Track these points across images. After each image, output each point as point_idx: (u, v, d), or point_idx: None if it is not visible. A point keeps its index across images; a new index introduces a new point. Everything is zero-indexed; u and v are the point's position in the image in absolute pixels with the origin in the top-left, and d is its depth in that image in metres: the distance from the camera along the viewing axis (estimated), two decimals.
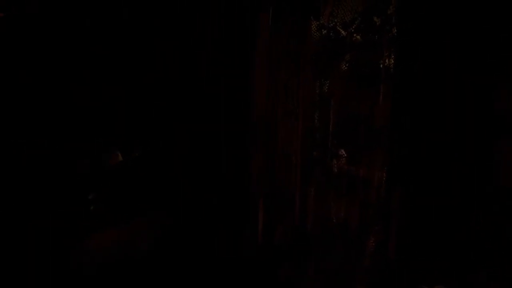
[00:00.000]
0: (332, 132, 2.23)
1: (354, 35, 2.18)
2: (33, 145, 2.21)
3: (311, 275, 2.27)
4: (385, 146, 2.21)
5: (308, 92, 2.22)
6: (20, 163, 2.20)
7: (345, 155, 2.23)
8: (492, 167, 2.23)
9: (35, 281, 2.06)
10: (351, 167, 2.23)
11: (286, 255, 2.28)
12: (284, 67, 2.23)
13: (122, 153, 2.33)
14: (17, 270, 2.05)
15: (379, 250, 2.26)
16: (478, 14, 2.16)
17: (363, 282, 2.28)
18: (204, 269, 2.33)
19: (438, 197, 2.28)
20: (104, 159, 2.32)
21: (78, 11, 2.25)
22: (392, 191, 2.24)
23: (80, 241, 2.17)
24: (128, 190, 2.35)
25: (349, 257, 2.26)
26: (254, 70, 2.26)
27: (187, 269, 2.33)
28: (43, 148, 2.22)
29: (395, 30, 2.17)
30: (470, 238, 2.27)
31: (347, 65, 2.19)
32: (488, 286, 2.24)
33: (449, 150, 2.27)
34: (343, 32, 2.18)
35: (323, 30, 2.20)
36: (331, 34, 2.19)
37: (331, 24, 2.19)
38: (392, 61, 2.19)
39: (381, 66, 2.18)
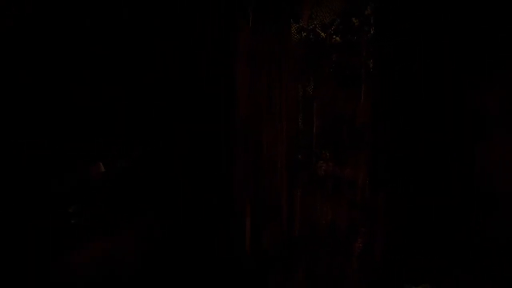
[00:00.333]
0: (316, 134, 2.22)
1: (334, 36, 2.18)
2: (33, 145, 2.21)
3: (300, 280, 2.27)
4: (368, 146, 2.21)
5: (290, 94, 2.22)
6: (20, 163, 2.20)
7: (330, 156, 2.23)
8: (473, 166, 2.24)
9: None
10: (336, 168, 2.23)
11: (275, 260, 2.27)
12: (266, 70, 2.22)
13: (105, 163, 2.30)
14: None
15: (366, 251, 2.25)
16: (457, 12, 2.17)
17: (352, 285, 2.27)
18: (204, 272, 2.33)
19: (422, 197, 2.29)
20: (85, 170, 2.28)
21: (78, 11, 2.25)
22: (376, 192, 2.23)
23: (60, 256, 2.14)
24: (112, 201, 2.31)
25: (338, 259, 2.25)
26: (236, 73, 2.26)
27: (184, 273, 2.33)
28: (43, 148, 2.22)
29: (373, 31, 2.17)
30: (457, 238, 2.27)
31: (328, 66, 2.19)
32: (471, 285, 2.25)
33: (430, 150, 2.28)
34: (322, 34, 2.19)
35: (303, 32, 2.20)
36: (311, 36, 2.20)
37: (311, 27, 2.20)
38: (372, 61, 2.19)
39: (361, 66, 2.18)
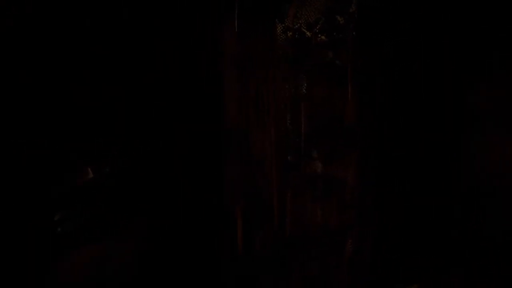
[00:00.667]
0: (304, 135, 2.21)
1: (319, 35, 2.16)
2: (33, 145, 2.20)
3: (293, 281, 2.27)
4: (357, 145, 2.21)
5: (278, 95, 2.20)
6: (20, 163, 2.19)
7: (319, 157, 2.22)
8: (469, 165, 2.26)
9: None
10: (326, 169, 2.21)
11: (267, 262, 2.26)
12: (254, 71, 2.20)
13: (93, 169, 2.29)
14: None
15: (356, 252, 2.26)
16: (443, 7, 2.19)
17: (345, 286, 2.28)
18: (201, 273, 2.33)
19: (418, 196, 2.30)
20: (72, 176, 2.27)
21: (78, 11, 2.24)
22: (364, 192, 2.23)
23: (46, 264, 2.12)
24: (101, 207, 2.30)
25: (330, 261, 2.24)
26: (223, 74, 2.25)
27: (183, 275, 2.34)
28: (43, 148, 2.21)
29: (356, 28, 2.16)
30: (454, 237, 2.29)
31: (314, 66, 2.18)
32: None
33: (425, 149, 2.29)
34: (308, 33, 2.16)
35: (288, 32, 2.18)
36: (296, 36, 2.17)
37: (296, 26, 2.17)
38: (357, 60, 2.19)
39: (348, 65, 2.17)
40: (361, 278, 2.27)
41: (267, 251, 2.25)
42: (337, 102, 2.21)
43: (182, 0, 2.28)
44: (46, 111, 2.24)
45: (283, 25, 2.19)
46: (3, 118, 2.16)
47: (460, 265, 2.27)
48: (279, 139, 2.22)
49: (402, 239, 2.33)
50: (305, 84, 2.21)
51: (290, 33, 2.19)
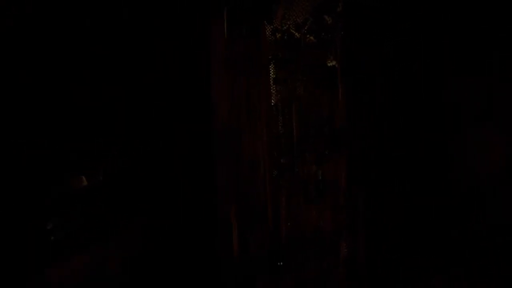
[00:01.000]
0: (296, 137, 2.20)
1: (308, 36, 2.16)
2: (33, 145, 2.20)
3: (288, 284, 2.26)
4: (347, 147, 2.20)
5: (269, 97, 2.20)
6: (20, 163, 2.19)
7: (312, 159, 2.21)
8: (462, 164, 2.26)
9: None
10: (318, 171, 2.21)
11: (264, 265, 2.26)
12: (244, 74, 2.20)
13: (87, 177, 2.28)
14: None
15: (350, 254, 2.25)
16: (427, 6, 2.18)
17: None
18: (200, 274, 2.33)
19: (417, 196, 2.30)
20: (66, 184, 2.25)
21: (78, 11, 2.24)
22: (354, 193, 2.23)
23: (37, 273, 2.11)
24: (94, 215, 2.29)
25: (325, 263, 2.23)
26: (212, 77, 2.25)
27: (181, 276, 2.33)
28: (43, 148, 2.21)
29: (343, 28, 2.16)
30: (454, 237, 2.29)
31: (304, 67, 2.17)
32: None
33: (423, 149, 2.29)
34: (296, 34, 2.16)
35: (277, 33, 2.18)
36: (285, 37, 2.17)
37: (285, 27, 2.17)
38: (345, 60, 2.18)
39: (336, 65, 2.17)
40: (356, 280, 2.27)
41: (263, 252, 2.25)
42: (328, 104, 2.21)
43: (173, 2, 2.27)
44: (46, 111, 2.23)
45: (271, 26, 2.19)
46: (4, 118, 2.15)
47: (460, 265, 2.26)
48: (271, 141, 2.22)
49: (402, 239, 2.33)
50: (296, 86, 2.20)
51: (279, 35, 2.19)
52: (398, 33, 2.21)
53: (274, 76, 2.20)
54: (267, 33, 2.18)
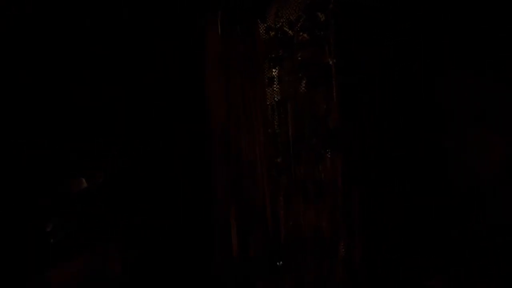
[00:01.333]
0: (292, 136, 2.19)
1: (301, 33, 2.14)
2: (33, 145, 2.20)
3: (288, 286, 2.26)
4: (342, 146, 2.19)
5: (264, 96, 2.19)
6: (20, 163, 2.19)
7: (308, 159, 2.20)
8: (461, 164, 2.26)
9: None
10: (315, 171, 2.20)
11: (263, 267, 2.24)
12: (239, 74, 2.19)
13: (87, 179, 2.27)
14: None
15: (348, 255, 2.24)
16: (427, 6, 2.18)
17: None
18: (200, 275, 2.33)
19: (417, 196, 2.30)
20: (65, 186, 2.25)
21: (78, 11, 2.24)
22: (350, 192, 2.22)
23: (37, 274, 2.11)
24: (94, 215, 2.29)
25: (325, 264, 2.22)
26: (206, 77, 2.24)
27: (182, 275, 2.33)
28: (43, 148, 2.21)
29: (335, 25, 2.14)
30: (454, 237, 2.29)
31: (298, 65, 2.16)
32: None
33: (404, 148, 2.28)
34: (290, 32, 2.15)
35: (270, 32, 2.17)
36: (279, 35, 2.16)
37: (278, 25, 2.16)
38: (338, 58, 2.17)
39: (331, 63, 2.16)
40: (356, 278, 2.27)
41: (262, 253, 2.24)
42: (323, 102, 2.19)
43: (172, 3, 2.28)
44: (45, 111, 2.24)
45: (265, 24, 2.18)
46: (4, 118, 2.16)
47: (460, 265, 2.26)
48: (267, 141, 2.21)
49: (402, 239, 2.33)
50: (291, 84, 2.19)
51: (273, 33, 2.18)
52: (398, 33, 2.21)
53: (268, 75, 2.19)
54: (261, 31, 2.18)
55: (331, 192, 2.21)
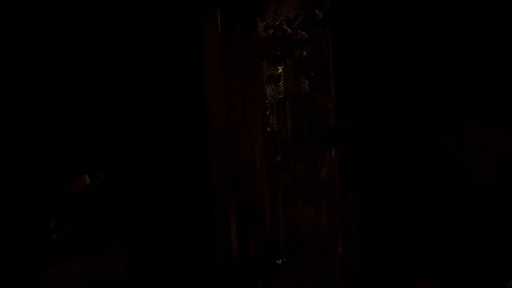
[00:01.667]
0: (291, 134, 2.20)
1: (299, 31, 2.15)
2: (33, 145, 2.20)
3: (288, 285, 2.26)
4: (340, 145, 2.20)
5: (264, 95, 2.19)
6: (20, 163, 2.19)
7: (307, 157, 2.20)
8: (447, 161, 2.26)
9: None
10: (314, 169, 2.21)
11: (263, 267, 2.24)
12: (238, 73, 2.19)
13: (90, 176, 2.27)
14: None
15: (346, 255, 2.24)
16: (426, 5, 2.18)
17: None
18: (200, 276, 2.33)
19: (416, 195, 2.30)
20: (68, 183, 2.25)
21: (78, 11, 2.24)
22: (348, 191, 2.23)
23: (37, 274, 2.10)
24: (96, 215, 2.28)
25: (324, 264, 2.23)
26: (206, 76, 2.25)
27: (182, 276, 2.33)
28: (43, 148, 2.21)
29: (332, 23, 2.14)
30: (453, 236, 2.29)
31: (297, 63, 2.17)
32: None
33: (403, 147, 2.28)
34: (288, 29, 2.16)
35: (269, 30, 2.17)
36: (277, 33, 2.16)
37: (277, 23, 2.16)
38: (337, 55, 2.17)
39: (329, 61, 2.16)
40: (354, 278, 2.27)
41: (262, 252, 2.24)
42: (322, 101, 2.20)
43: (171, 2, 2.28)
44: (46, 111, 2.24)
45: (264, 22, 2.18)
46: (4, 118, 2.16)
47: (459, 264, 2.27)
48: (267, 140, 2.21)
49: (401, 238, 2.33)
50: (290, 83, 2.20)
51: (272, 31, 2.18)
52: (397, 31, 2.22)
53: (268, 73, 2.20)
54: (260, 29, 2.18)
55: (330, 191, 2.21)
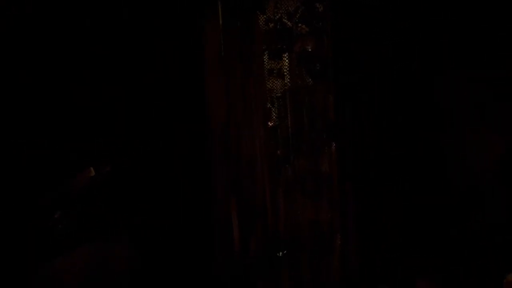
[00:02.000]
0: (291, 129, 2.19)
1: (299, 24, 2.15)
2: (33, 145, 2.20)
3: (288, 282, 2.25)
4: (338, 140, 2.20)
5: (264, 90, 2.19)
6: (20, 163, 2.19)
7: (307, 152, 2.20)
8: (447, 161, 2.26)
9: None
10: (313, 164, 2.21)
11: (264, 262, 2.24)
12: (239, 68, 2.19)
13: (95, 168, 2.27)
14: None
15: (343, 251, 2.24)
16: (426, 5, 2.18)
17: (337, 284, 2.27)
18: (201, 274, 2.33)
19: (416, 195, 2.30)
20: (74, 176, 2.25)
21: (78, 11, 2.24)
22: (345, 188, 2.23)
23: (47, 262, 2.11)
24: (101, 206, 2.29)
25: (323, 259, 2.23)
26: (206, 73, 2.24)
27: (182, 274, 2.33)
28: (43, 148, 2.21)
29: (332, 17, 2.14)
30: (453, 236, 2.30)
31: (297, 57, 2.17)
32: None
33: (403, 147, 2.29)
34: (289, 23, 2.16)
35: (270, 23, 2.17)
36: (278, 26, 2.16)
37: (277, 16, 2.16)
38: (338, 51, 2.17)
39: (329, 55, 2.16)
40: (349, 277, 2.27)
41: (263, 249, 2.24)
42: (320, 95, 2.20)
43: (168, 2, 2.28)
44: (46, 111, 2.24)
45: (264, 16, 2.18)
46: (4, 118, 2.16)
47: (459, 264, 2.27)
48: (267, 135, 2.21)
49: (401, 238, 2.33)
50: (290, 77, 2.19)
51: (272, 24, 2.18)
52: (397, 32, 2.22)
53: (268, 67, 2.20)
54: (260, 23, 2.18)
55: (329, 187, 2.22)
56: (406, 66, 2.25)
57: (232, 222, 2.23)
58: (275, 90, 2.20)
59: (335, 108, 2.21)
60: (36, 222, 2.15)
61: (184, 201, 2.35)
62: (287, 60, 2.18)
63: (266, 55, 2.19)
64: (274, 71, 2.19)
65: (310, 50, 2.17)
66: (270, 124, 2.20)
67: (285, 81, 2.19)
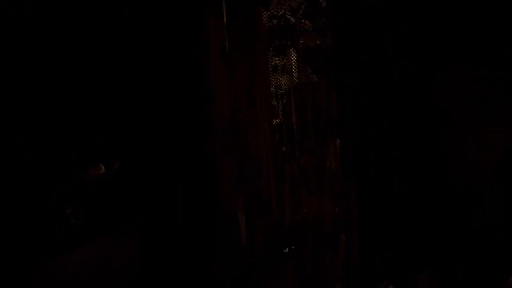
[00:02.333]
0: (296, 125, 2.21)
1: (303, 20, 2.17)
2: (33, 145, 2.20)
3: (293, 275, 2.27)
4: (341, 136, 2.22)
5: (269, 86, 2.21)
6: (19, 163, 2.19)
7: (312, 148, 2.21)
8: (447, 161, 2.26)
9: None
10: (317, 160, 2.22)
11: (270, 256, 2.26)
12: (243, 64, 2.20)
13: (105, 165, 2.28)
14: None
15: (347, 246, 2.25)
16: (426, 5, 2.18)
17: (340, 279, 2.28)
18: (203, 272, 2.33)
19: (417, 195, 2.30)
20: (85, 171, 2.26)
21: (78, 11, 2.24)
22: (347, 183, 2.24)
23: (58, 256, 2.12)
24: (110, 202, 2.30)
25: (327, 254, 2.24)
26: (210, 70, 2.25)
27: (183, 273, 2.34)
28: (42, 148, 2.21)
29: (334, 13, 2.15)
30: (453, 236, 2.30)
31: (301, 54, 2.18)
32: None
33: (403, 147, 2.29)
34: (292, 19, 2.17)
35: (273, 19, 2.18)
36: (281, 22, 2.18)
37: (281, 13, 2.18)
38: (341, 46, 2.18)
39: (331, 51, 2.18)
40: (352, 272, 2.28)
41: (268, 244, 2.25)
42: (324, 92, 2.21)
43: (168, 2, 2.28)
44: (46, 111, 2.24)
45: (268, 12, 2.19)
46: (4, 118, 2.16)
47: (459, 264, 2.27)
48: (272, 131, 2.22)
49: (401, 238, 2.33)
50: (294, 73, 2.21)
51: (275, 21, 2.19)
52: (397, 32, 2.22)
53: (272, 63, 2.21)
54: (264, 19, 2.19)
55: (333, 183, 2.23)
56: (406, 66, 2.25)
57: (238, 217, 2.24)
58: (279, 86, 2.21)
59: (334, 104, 2.21)
60: (37, 222, 2.15)
61: (184, 201, 2.35)
62: (291, 56, 2.19)
63: (270, 51, 2.20)
64: (279, 68, 2.20)
65: (313, 46, 2.18)
66: (275, 121, 2.21)
67: (290, 78, 2.21)
